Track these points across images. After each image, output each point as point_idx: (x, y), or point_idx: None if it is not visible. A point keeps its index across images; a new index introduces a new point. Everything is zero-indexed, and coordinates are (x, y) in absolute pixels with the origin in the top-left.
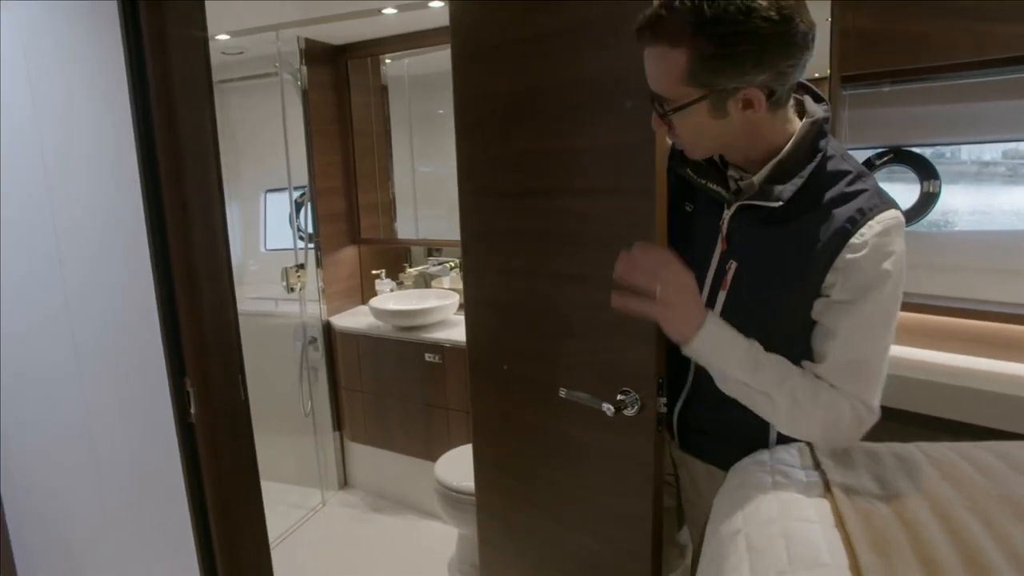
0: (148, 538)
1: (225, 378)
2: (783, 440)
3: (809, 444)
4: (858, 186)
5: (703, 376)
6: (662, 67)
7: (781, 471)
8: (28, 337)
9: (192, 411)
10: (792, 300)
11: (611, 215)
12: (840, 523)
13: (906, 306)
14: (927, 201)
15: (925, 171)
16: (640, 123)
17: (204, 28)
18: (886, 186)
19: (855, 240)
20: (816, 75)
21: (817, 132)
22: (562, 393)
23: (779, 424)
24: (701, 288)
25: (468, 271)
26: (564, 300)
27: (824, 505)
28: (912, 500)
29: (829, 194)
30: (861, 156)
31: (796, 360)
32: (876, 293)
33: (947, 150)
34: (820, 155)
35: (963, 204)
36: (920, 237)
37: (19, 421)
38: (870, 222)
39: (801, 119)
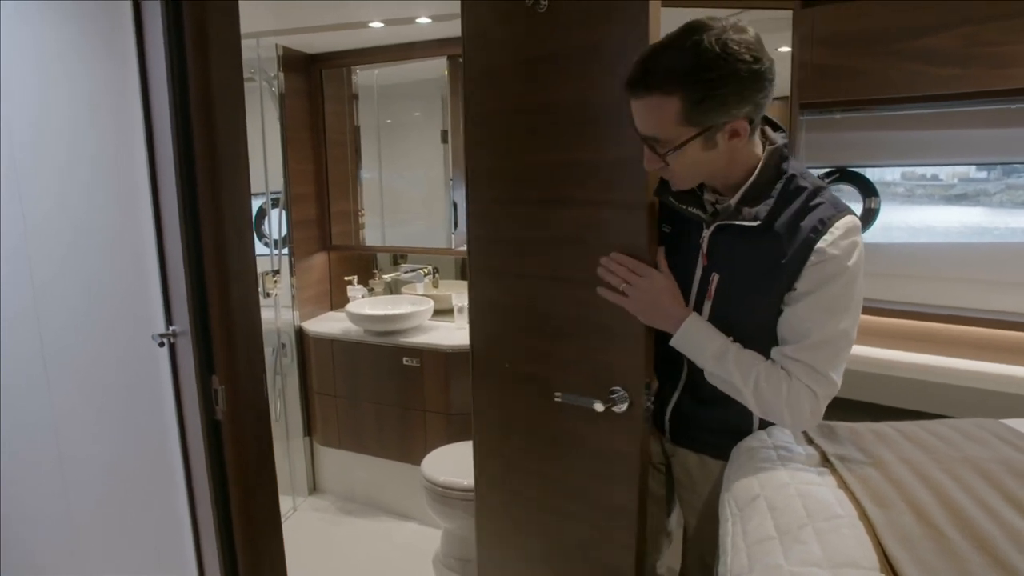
0: (124, 541)
1: (251, 377)
2: (764, 426)
3: None
4: (816, 200)
5: (696, 376)
6: (657, 114)
7: (783, 447)
8: None
9: (219, 408)
10: (769, 303)
11: (608, 224)
12: (843, 484)
13: None
14: (868, 216)
15: (866, 189)
16: (635, 140)
17: (238, 29)
18: None
19: (819, 246)
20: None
21: (780, 156)
22: (557, 397)
23: (752, 409)
24: (687, 299)
25: (474, 275)
26: (564, 302)
27: (825, 472)
28: (894, 465)
29: (794, 209)
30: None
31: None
32: (835, 282)
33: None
34: (785, 177)
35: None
36: None
37: None
38: (831, 229)
39: (764, 146)
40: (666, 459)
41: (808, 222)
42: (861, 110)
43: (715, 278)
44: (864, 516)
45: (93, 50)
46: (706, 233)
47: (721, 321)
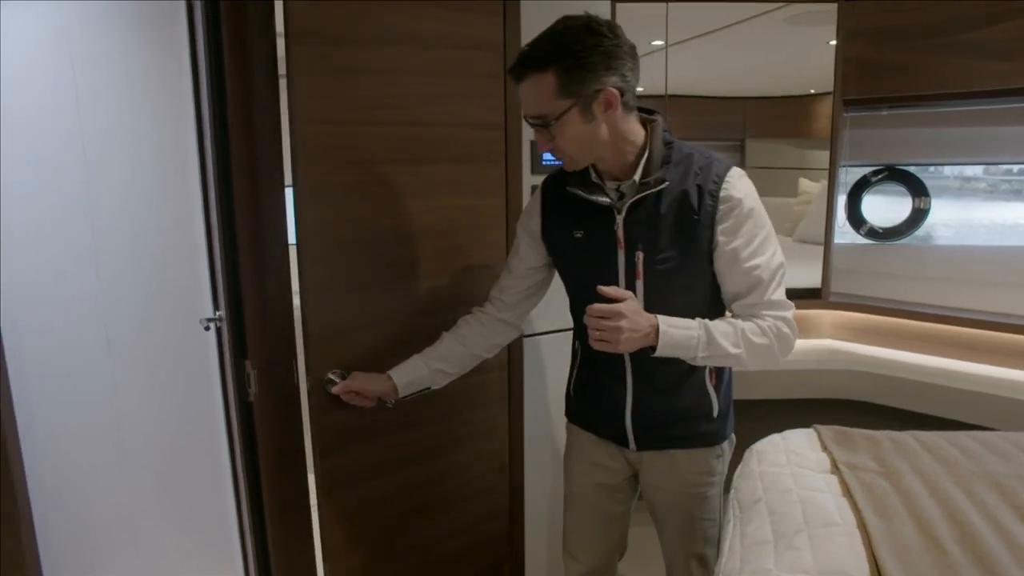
0: (175, 515)
1: (282, 362)
2: (723, 403)
3: (817, 430)
4: (705, 160)
5: (642, 365)
6: (538, 90)
7: (794, 451)
8: (61, 327)
9: (251, 391)
10: (696, 260)
11: None
12: (847, 493)
13: (895, 312)
14: (917, 217)
15: (916, 189)
16: None
17: (274, 30)
18: (880, 199)
19: (722, 195)
20: (812, 90)
21: (663, 130)
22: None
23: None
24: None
25: None
26: None
27: (832, 480)
28: (907, 476)
29: (692, 170)
30: (859, 173)
31: (715, 305)
32: (751, 226)
33: (931, 165)
34: (672, 146)
35: (945, 218)
36: (907, 250)
37: (47, 410)
38: (726, 178)
39: (646, 128)
40: (631, 468)
41: (706, 177)
42: (909, 106)
43: (640, 256)
44: (863, 525)
45: (153, 49)
46: (619, 219)
47: (655, 296)
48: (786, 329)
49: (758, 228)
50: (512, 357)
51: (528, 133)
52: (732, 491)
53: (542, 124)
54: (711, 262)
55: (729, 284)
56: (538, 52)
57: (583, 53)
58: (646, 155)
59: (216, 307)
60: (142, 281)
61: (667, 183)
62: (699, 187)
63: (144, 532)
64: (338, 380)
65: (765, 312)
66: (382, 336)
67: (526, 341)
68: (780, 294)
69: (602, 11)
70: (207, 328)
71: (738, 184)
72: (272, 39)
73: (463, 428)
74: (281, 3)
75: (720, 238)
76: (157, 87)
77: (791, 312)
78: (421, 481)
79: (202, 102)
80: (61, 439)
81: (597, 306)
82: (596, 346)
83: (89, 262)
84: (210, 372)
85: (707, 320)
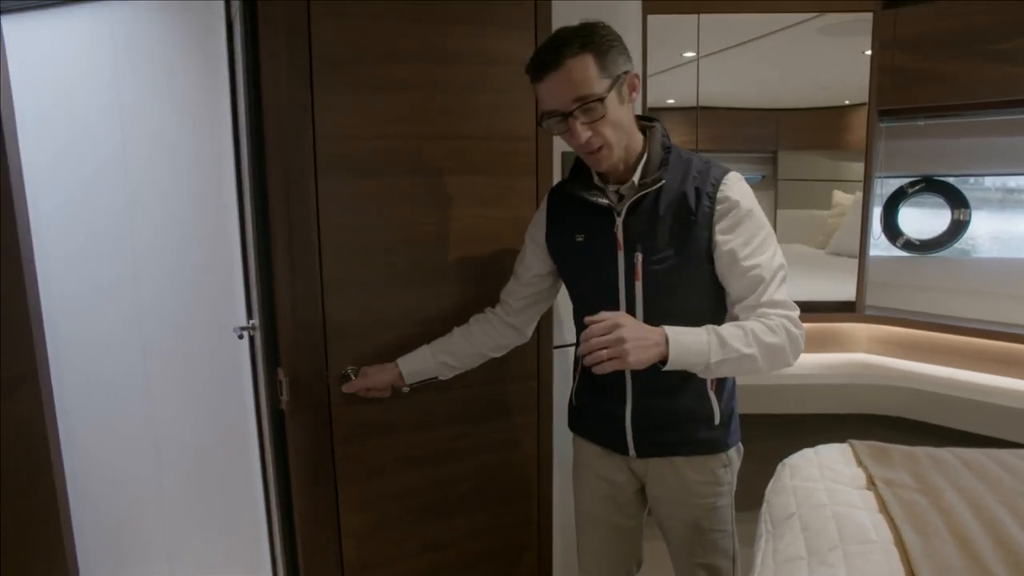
0: (208, 521)
1: (313, 370)
2: (726, 410)
3: (852, 445)
4: (703, 164)
5: (646, 378)
6: (582, 69)
7: (828, 466)
8: (100, 337)
9: (283, 399)
10: (694, 261)
11: None
12: (884, 509)
13: (933, 326)
14: (957, 228)
15: (955, 200)
16: None
17: (308, 40)
18: (916, 211)
19: (719, 196)
20: (847, 101)
21: (662, 135)
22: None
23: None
24: (616, 289)
25: None
26: None
27: (868, 495)
28: (947, 493)
29: (691, 173)
30: (895, 184)
31: (716, 313)
32: (749, 226)
33: (972, 176)
34: (671, 149)
35: (986, 230)
36: (946, 262)
37: (85, 418)
38: (724, 182)
39: (644, 133)
40: (637, 481)
41: (704, 180)
42: (948, 116)
43: (639, 258)
44: (901, 543)
45: (193, 61)
46: (619, 221)
47: (654, 298)
48: (795, 329)
49: (757, 229)
50: (541, 367)
51: (560, 145)
52: (764, 505)
53: (589, 105)
54: (711, 262)
55: (731, 286)
56: (569, 42)
57: (609, 39)
58: (645, 157)
59: (249, 316)
60: (179, 291)
61: (664, 181)
62: (697, 189)
63: (177, 536)
64: (353, 377)
65: (769, 311)
66: (403, 336)
67: (556, 352)
68: (783, 294)
69: (633, 22)
70: (240, 337)
71: (735, 186)
72: (306, 53)
73: (488, 435)
74: None
75: (718, 238)
76: (196, 98)
77: (796, 313)
78: (441, 481)
79: (239, 114)
80: (98, 447)
81: (593, 326)
82: (605, 368)
83: (129, 273)
84: (243, 380)
85: (713, 325)
